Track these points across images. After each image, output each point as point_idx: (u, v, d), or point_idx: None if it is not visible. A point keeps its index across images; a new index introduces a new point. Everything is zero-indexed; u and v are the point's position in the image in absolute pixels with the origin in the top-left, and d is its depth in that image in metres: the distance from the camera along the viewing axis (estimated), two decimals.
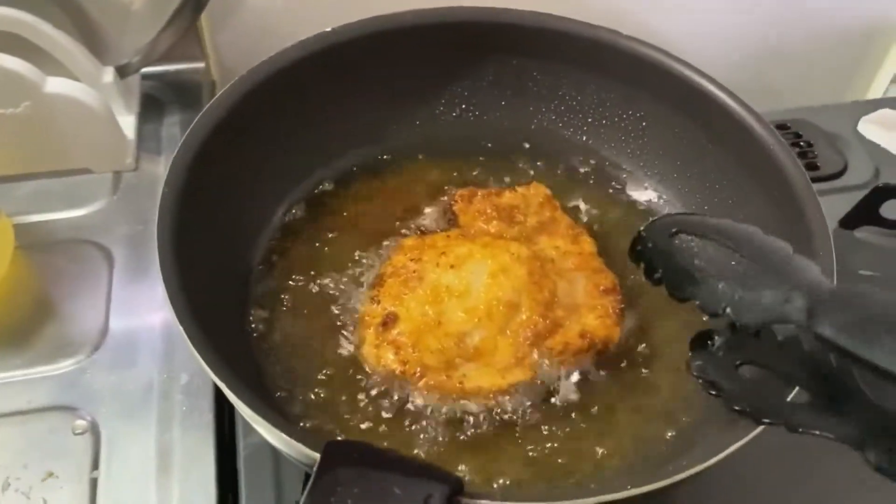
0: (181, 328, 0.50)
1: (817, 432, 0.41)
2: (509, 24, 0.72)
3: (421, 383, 0.57)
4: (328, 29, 0.69)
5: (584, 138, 0.77)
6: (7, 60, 0.71)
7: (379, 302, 0.61)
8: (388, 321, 0.59)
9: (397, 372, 0.58)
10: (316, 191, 0.72)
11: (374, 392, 0.59)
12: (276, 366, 0.61)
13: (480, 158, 0.76)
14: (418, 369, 0.57)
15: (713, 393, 0.46)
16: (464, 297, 0.60)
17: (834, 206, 0.78)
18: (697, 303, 0.46)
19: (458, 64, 0.75)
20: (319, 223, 0.70)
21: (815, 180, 0.63)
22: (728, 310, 0.44)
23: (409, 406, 0.58)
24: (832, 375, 0.44)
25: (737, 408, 0.45)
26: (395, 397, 0.58)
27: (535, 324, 0.59)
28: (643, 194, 0.75)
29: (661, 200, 0.74)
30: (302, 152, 0.71)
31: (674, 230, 0.47)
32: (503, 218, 0.68)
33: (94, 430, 0.62)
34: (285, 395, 0.59)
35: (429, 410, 0.58)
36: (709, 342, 0.48)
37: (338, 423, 0.57)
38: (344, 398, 0.59)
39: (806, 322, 0.41)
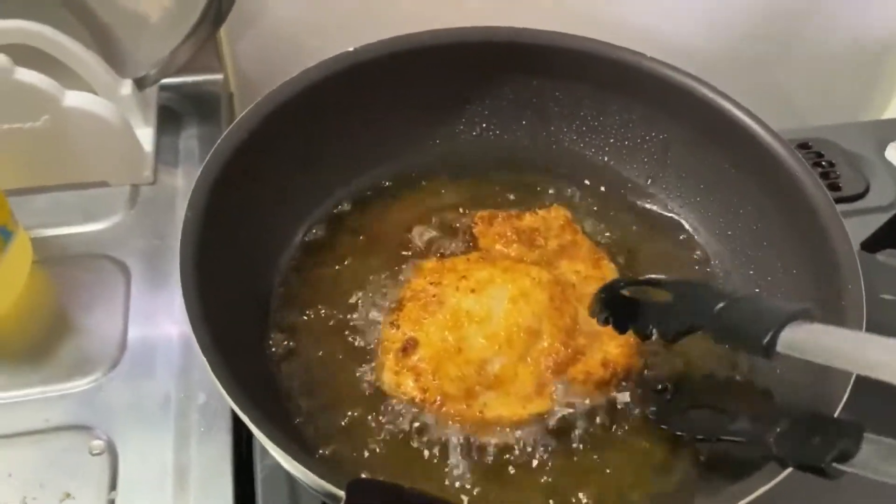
0: (204, 358, 0.50)
1: (735, 438, 0.53)
2: (530, 45, 0.72)
3: (441, 412, 0.57)
4: (350, 49, 0.68)
5: (606, 159, 0.76)
6: (27, 75, 0.70)
7: (398, 327, 0.61)
8: (408, 347, 0.59)
9: (417, 399, 0.58)
10: (335, 210, 0.72)
11: (393, 419, 0.58)
12: (295, 390, 0.60)
13: (500, 179, 0.75)
14: (438, 397, 0.57)
15: (663, 426, 0.59)
16: (484, 323, 0.60)
17: (856, 227, 0.76)
18: (633, 330, 0.56)
19: (479, 84, 0.75)
20: (339, 244, 0.69)
21: (836, 201, 0.62)
22: (654, 329, 0.55)
23: (429, 434, 0.57)
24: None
25: (678, 432, 0.58)
26: (415, 425, 0.58)
27: (556, 352, 0.59)
28: (665, 218, 0.74)
29: (685, 224, 0.73)
30: (322, 172, 0.71)
31: (622, 284, 0.59)
32: (523, 241, 0.67)
33: (111, 450, 0.61)
34: (303, 419, 0.59)
35: (448, 439, 0.57)
36: (662, 392, 0.62)
37: (356, 449, 0.57)
38: (363, 424, 0.58)
39: (708, 324, 0.51)
